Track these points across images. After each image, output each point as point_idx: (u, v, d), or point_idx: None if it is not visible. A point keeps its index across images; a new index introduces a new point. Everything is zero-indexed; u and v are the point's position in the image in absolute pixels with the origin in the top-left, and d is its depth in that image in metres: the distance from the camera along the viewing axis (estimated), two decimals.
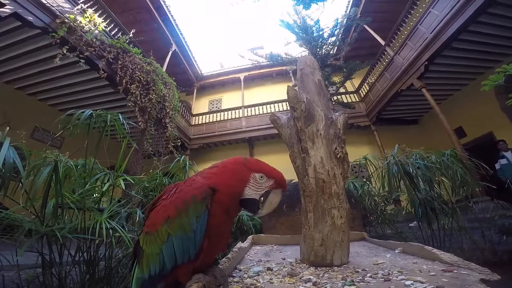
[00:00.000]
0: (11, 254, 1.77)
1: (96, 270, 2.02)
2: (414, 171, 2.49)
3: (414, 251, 1.16)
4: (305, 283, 0.91)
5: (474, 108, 8.66)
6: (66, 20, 5.64)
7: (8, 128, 1.53)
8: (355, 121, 10.84)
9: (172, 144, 7.78)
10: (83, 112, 1.87)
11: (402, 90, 8.57)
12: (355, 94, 11.77)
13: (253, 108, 12.42)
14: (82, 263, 1.92)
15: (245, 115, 12.21)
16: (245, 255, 1.39)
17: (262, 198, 0.91)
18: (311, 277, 0.97)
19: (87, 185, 1.88)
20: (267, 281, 0.95)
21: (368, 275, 0.95)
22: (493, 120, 8.06)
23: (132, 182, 2.21)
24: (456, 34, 6.48)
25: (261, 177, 0.90)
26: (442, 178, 2.62)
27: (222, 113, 12.70)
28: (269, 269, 1.08)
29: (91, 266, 1.94)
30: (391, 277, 0.91)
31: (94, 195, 2.21)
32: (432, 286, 0.77)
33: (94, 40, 6.23)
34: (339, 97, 10.79)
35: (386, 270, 0.99)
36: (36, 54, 6.39)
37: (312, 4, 9.01)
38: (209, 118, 12.79)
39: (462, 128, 9.13)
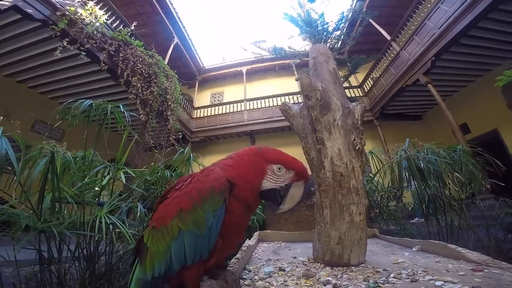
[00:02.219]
0: (6, 250, 1.70)
1: (96, 266, 1.96)
2: (425, 166, 2.40)
3: (435, 249, 1.09)
4: (324, 285, 0.83)
5: (479, 105, 8.54)
6: (67, 13, 5.57)
7: (1, 117, 1.43)
8: None
9: (174, 137, 7.72)
10: (82, 102, 1.78)
11: (408, 85, 8.43)
12: (358, 89, 11.65)
13: (255, 102, 12.32)
14: (82, 260, 1.85)
15: (247, 108, 12.12)
16: (253, 253, 1.31)
17: (282, 192, 0.82)
18: (330, 278, 0.89)
19: (86, 178, 1.79)
20: (281, 283, 0.87)
21: (392, 275, 0.88)
22: (499, 117, 7.95)
23: (133, 175, 2.12)
24: (465, 30, 6.34)
25: (279, 168, 0.82)
26: (456, 174, 2.54)
27: (224, 106, 12.62)
28: (281, 269, 1.01)
29: (91, 262, 1.87)
30: (417, 277, 0.83)
31: (94, 188, 2.14)
32: (467, 287, 0.69)
33: (95, 32, 6.18)
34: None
35: (410, 270, 0.91)
36: (37, 47, 6.33)
37: None
38: (211, 111, 12.71)
39: (466, 125, 9.02)
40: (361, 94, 11.45)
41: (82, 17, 5.91)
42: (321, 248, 1.04)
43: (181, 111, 10.33)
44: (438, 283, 0.76)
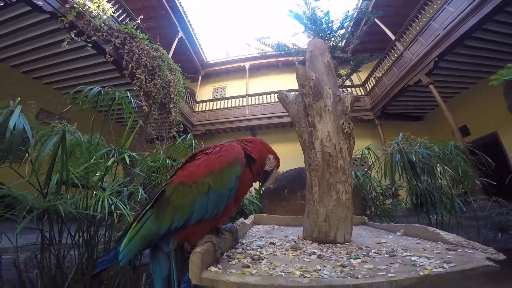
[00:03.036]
0: (4, 234, 1.77)
1: (95, 250, 2.02)
2: (417, 159, 2.47)
3: (417, 233, 1.16)
4: (309, 255, 0.91)
5: (480, 107, 8.58)
6: (75, 5, 5.68)
7: (19, 98, 1.51)
8: (359, 114, 10.82)
9: (175, 129, 7.82)
10: (92, 88, 1.87)
11: (409, 85, 8.49)
12: (361, 88, 11.71)
13: (257, 97, 12.42)
14: (82, 243, 1.92)
15: (249, 103, 12.22)
16: (247, 232, 1.39)
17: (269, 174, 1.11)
18: (315, 250, 0.97)
19: (92, 159, 1.88)
20: (271, 253, 0.95)
21: (373, 251, 0.95)
22: (499, 120, 7.98)
23: (136, 158, 2.21)
24: (470, 32, 6.39)
25: (273, 158, 1.10)
26: (446, 168, 2.60)
27: (225, 101, 12.74)
28: (271, 243, 1.09)
29: (90, 246, 1.94)
30: (395, 254, 0.91)
31: (97, 173, 2.22)
32: (439, 261, 0.76)
33: (102, 25, 6.30)
34: (344, 90, 10.72)
35: (390, 248, 0.98)
36: (43, 38, 6.47)
37: None
38: (212, 105, 12.84)
39: (466, 127, 9.08)
40: (363, 93, 11.51)
41: (90, 9, 6.01)
42: (309, 226, 1.12)
43: (183, 104, 10.44)
44: (413, 258, 0.83)
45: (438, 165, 2.66)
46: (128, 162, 2.04)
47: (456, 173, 2.63)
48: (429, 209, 2.54)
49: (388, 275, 0.67)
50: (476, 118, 8.76)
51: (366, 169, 3.20)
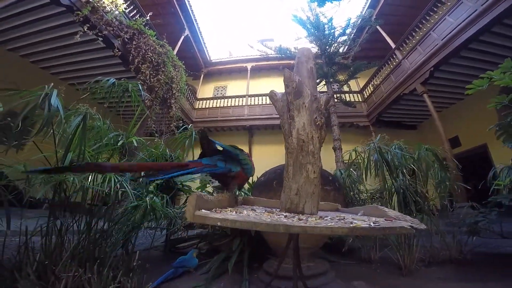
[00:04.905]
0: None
1: (96, 227, 2.20)
2: (392, 159, 2.72)
3: (371, 212, 1.42)
4: (278, 215, 1.18)
5: (472, 119, 8.81)
6: (91, 0, 5.92)
7: (52, 83, 1.76)
8: (354, 120, 11.06)
9: (175, 124, 8.07)
10: (108, 79, 2.13)
11: (405, 94, 8.71)
12: (358, 94, 11.93)
13: (256, 98, 12.65)
14: (84, 221, 2.12)
15: (249, 103, 12.46)
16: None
17: None
18: (284, 214, 1.23)
19: (104, 140, 2.14)
20: (250, 213, 1.22)
21: (329, 217, 1.21)
22: (489, 132, 8.19)
23: (142, 142, 2.47)
24: (467, 43, 6.56)
25: None
26: (421, 168, 2.84)
27: (225, 100, 12.97)
28: (252, 209, 1.35)
29: (90, 225, 2.13)
30: (344, 220, 1.17)
31: (107, 151, 2.45)
32: (371, 222, 1.02)
33: (114, 20, 6.53)
34: (343, 95, 10.99)
35: (343, 217, 1.25)
36: (56, 30, 6.71)
37: (326, 2, 9.16)
38: (213, 104, 13.07)
39: (458, 138, 9.32)
40: (360, 100, 11.72)
41: (104, 4, 6.27)
42: (284, 199, 1.38)
43: (184, 101, 10.67)
44: (354, 221, 1.09)
45: (413, 165, 2.91)
46: (136, 145, 2.29)
47: (427, 173, 2.88)
48: (401, 208, 2.77)
49: (328, 224, 0.93)
50: (468, 129, 8.97)
51: (349, 168, 3.45)
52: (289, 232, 1.07)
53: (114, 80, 2.16)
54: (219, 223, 0.84)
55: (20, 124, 1.49)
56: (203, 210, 0.94)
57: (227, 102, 12.81)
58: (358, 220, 1.12)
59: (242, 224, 0.84)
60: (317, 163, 1.33)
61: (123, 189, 2.24)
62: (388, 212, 1.28)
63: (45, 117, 1.49)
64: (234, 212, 1.11)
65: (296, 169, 1.33)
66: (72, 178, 2.04)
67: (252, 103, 12.49)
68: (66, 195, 2.12)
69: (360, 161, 3.34)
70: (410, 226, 1.02)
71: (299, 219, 1.04)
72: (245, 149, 11.70)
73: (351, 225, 0.95)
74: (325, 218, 1.17)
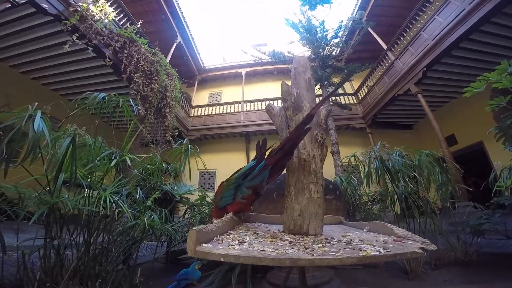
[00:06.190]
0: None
1: (93, 247, 2.15)
2: (393, 166, 2.69)
3: (378, 229, 1.36)
4: (283, 241, 1.11)
5: (467, 116, 8.84)
6: (79, 9, 5.82)
7: (36, 103, 1.69)
8: (350, 122, 11.06)
9: (170, 133, 7.97)
10: (97, 94, 2.05)
11: (399, 94, 8.72)
12: (353, 96, 11.95)
13: (252, 104, 12.61)
14: (83, 239, 2.07)
15: (244, 109, 12.39)
16: (236, 226, 1.59)
17: None
18: (289, 238, 1.17)
19: (97, 160, 2.06)
20: (253, 239, 1.15)
21: (335, 240, 1.15)
22: (485, 130, 8.22)
23: (137, 160, 2.39)
24: (458, 42, 6.61)
25: None
26: (422, 174, 2.81)
27: (221, 107, 12.90)
28: (255, 233, 1.28)
29: (89, 243, 2.07)
30: (352, 243, 1.11)
31: (101, 171, 2.39)
32: (380, 248, 0.97)
33: (104, 29, 6.43)
34: (337, 98, 11.00)
35: (350, 239, 1.19)
36: (44, 40, 6.57)
37: (318, 5, 9.19)
38: (208, 111, 13.00)
39: (454, 136, 9.34)
40: (355, 102, 11.73)
41: (92, 13, 6.17)
42: (287, 220, 1.32)
43: (179, 109, 10.59)
44: (363, 245, 1.03)
45: (414, 172, 2.88)
46: (130, 164, 2.22)
47: (429, 178, 2.85)
48: (405, 213, 2.75)
49: (337, 255, 0.87)
50: (464, 127, 9.00)
51: (349, 175, 3.41)
52: (296, 265, 1.01)
53: (104, 95, 2.08)
54: (222, 259, 0.79)
55: (4, 150, 1.42)
56: (204, 245, 0.87)
57: (223, 109, 12.74)
58: (367, 243, 1.06)
59: (246, 259, 0.78)
60: (320, 182, 1.28)
61: (119, 209, 2.17)
62: (395, 230, 1.23)
63: (30, 142, 1.41)
64: (236, 241, 1.04)
65: (298, 189, 1.28)
66: (67, 196, 1.99)
67: (248, 109, 12.45)
68: (61, 214, 2.06)
69: (361, 169, 3.29)
70: (421, 249, 0.97)
71: (305, 247, 0.97)
72: (243, 156, 11.77)
73: (361, 253, 0.89)
74: (332, 242, 1.11)
